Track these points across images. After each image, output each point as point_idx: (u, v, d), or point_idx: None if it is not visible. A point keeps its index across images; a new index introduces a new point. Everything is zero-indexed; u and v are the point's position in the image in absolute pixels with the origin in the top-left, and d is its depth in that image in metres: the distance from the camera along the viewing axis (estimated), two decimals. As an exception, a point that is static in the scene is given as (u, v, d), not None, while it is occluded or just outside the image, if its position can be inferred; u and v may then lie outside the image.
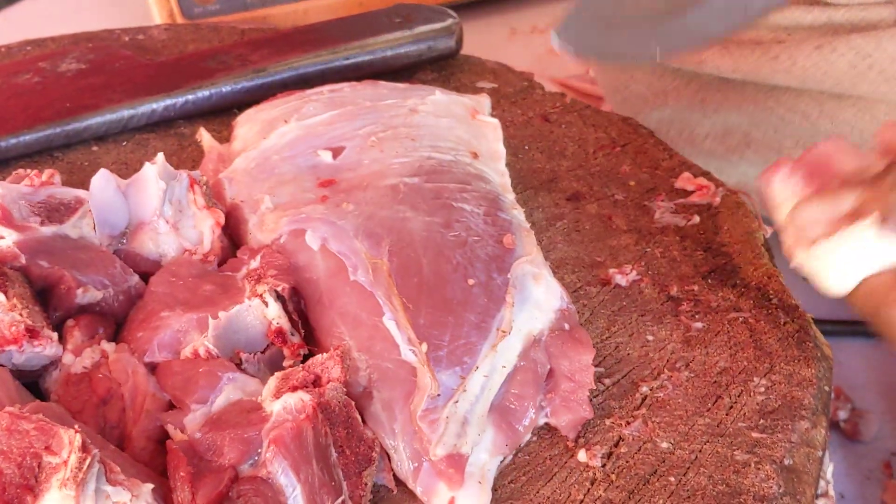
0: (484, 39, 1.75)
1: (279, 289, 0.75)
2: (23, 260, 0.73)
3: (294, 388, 0.68)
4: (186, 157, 1.01)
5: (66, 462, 0.60)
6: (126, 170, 0.98)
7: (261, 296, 0.74)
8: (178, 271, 0.78)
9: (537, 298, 0.78)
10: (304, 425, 0.66)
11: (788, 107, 1.16)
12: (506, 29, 1.80)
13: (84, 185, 0.81)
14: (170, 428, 0.69)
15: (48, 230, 0.75)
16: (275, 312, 0.74)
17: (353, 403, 0.69)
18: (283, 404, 0.67)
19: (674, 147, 1.21)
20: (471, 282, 0.77)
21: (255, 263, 0.78)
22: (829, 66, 1.06)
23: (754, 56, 1.12)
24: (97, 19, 1.72)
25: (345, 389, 0.69)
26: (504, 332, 0.74)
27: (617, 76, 1.30)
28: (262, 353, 0.75)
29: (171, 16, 1.63)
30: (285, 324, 0.74)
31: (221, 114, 1.06)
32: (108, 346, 0.72)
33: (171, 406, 0.71)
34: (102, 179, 0.79)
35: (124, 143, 1.03)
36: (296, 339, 0.75)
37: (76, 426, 0.62)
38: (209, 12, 1.62)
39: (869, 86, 1.10)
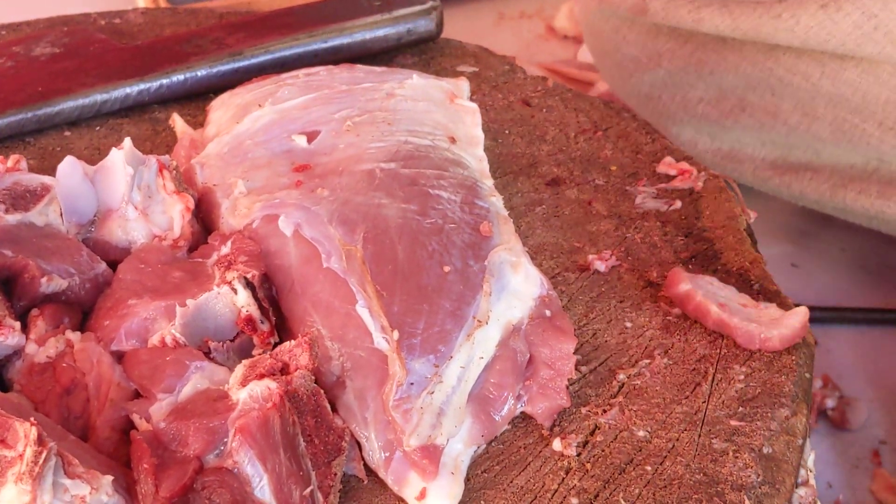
0: (471, 24, 1.74)
1: (249, 276, 0.74)
2: (-16, 249, 0.71)
3: (261, 376, 0.67)
4: (161, 142, 1.00)
5: (21, 456, 0.59)
6: (99, 155, 0.96)
7: (230, 283, 0.73)
8: (147, 258, 0.77)
9: (515, 287, 0.77)
10: (270, 414, 0.64)
11: (788, 68, 1.14)
12: (493, 14, 1.79)
13: (56, 170, 0.80)
14: (135, 417, 0.67)
15: (13, 218, 0.74)
16: (244, 300, 0.73)
17: (321, 392, 0.68)
18: (250, 392, 0.66)
19: (666, 111, 1.19)
20: (446, 269, 0.75)
21: (225, 249, 0.77)
22: (833, 25, 1.04)
23: (755, 14, 1.10)
24: (79, 1, 1.71)
25: (313, 377, 0.68)
26: (480, 321, 0.73)
27: (609, 38, 1.28)
28: (232, 341, 0.73)
29: (155, 0, 1.62)
30: (255, 311, 0.73)
31: (197, 98, 1.05)
32: (73, 336, 0.71)
33: (137, 395, 0.70)
34: (69, 166, 0.78)
35: (97, 128, 1.01)
36: (265, 327, 0.73)
37: (32, 418, 0.60)
38: (194, -2, 1.61)
39: (874, 47, 1.07)
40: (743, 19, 1.12)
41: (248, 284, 0.73)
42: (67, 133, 1.01)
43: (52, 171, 0.80)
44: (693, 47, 1.22)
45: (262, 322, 0.73)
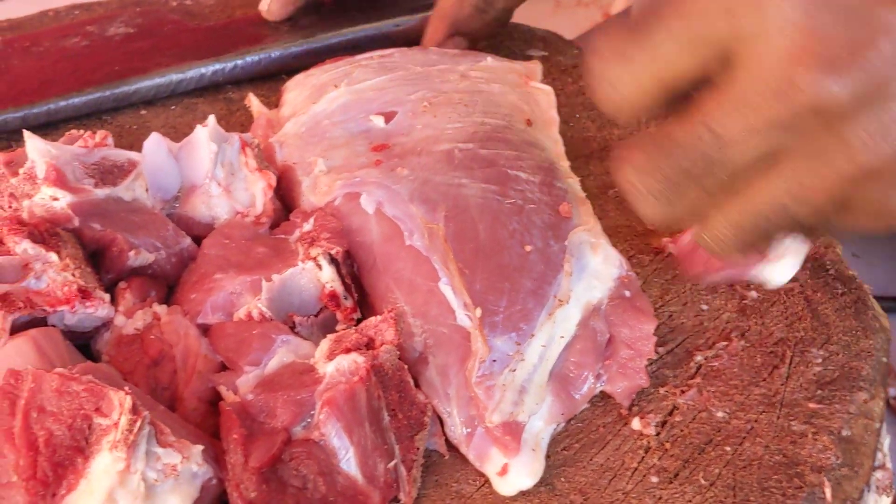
0: (528, 12, 1.74)
1: (333, 252, 0.74)
2: (76, 222, 0.72)
3: (347, 350, 0.68)
4: (235, 122, 1.01)
5: (116, 424, 0.60)
6: (175, 133, 0.97)
7: (314, 259, 0.74)
8: (231, 234, 0.78)
9: (595, 268, 0.77)
10: (357, 387, 0.65)
11: None
12: (550, 1, 1.79)
13: (133, 147, 0.81)
14: (222, 389, 0.68)
15: (102, 192, 0.75)
16: (328, 276, 0.74)
17: (405, 367, 0.69)
18: (337, 366, 0.66)
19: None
20: (528, 248, 0.76)
21: (308, 226, 0.78)
22: None
23: None
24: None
25: (398, 353, 0.69)
26: (561, 301, 0.73)
27: None
28: (316, 316, 0.74)
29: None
30: (339, 287, 0.74)
31: (270, 79, 1.05)
32: (160, 309, 0.72)
33: (223, 368, 0.71)
34: (154, 143, 0.79)
35: (173, 108, 1.03)
36: (349, 303, 0.74)
37: (126, 387, 0.61)
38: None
39: None
40: None
41: (333, 261, 0.74)
42: (143, 112, 1.02)
43: (129, 148, 0.81)
44: None
45: (345, 298, 0.74)
